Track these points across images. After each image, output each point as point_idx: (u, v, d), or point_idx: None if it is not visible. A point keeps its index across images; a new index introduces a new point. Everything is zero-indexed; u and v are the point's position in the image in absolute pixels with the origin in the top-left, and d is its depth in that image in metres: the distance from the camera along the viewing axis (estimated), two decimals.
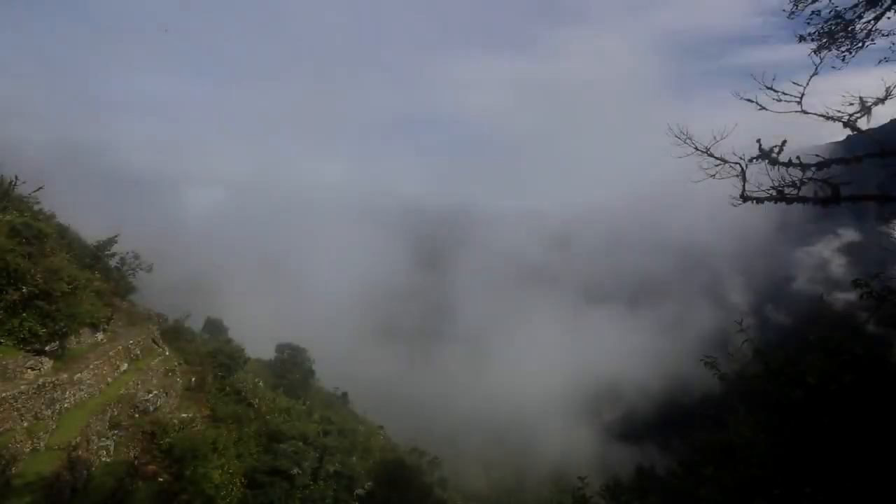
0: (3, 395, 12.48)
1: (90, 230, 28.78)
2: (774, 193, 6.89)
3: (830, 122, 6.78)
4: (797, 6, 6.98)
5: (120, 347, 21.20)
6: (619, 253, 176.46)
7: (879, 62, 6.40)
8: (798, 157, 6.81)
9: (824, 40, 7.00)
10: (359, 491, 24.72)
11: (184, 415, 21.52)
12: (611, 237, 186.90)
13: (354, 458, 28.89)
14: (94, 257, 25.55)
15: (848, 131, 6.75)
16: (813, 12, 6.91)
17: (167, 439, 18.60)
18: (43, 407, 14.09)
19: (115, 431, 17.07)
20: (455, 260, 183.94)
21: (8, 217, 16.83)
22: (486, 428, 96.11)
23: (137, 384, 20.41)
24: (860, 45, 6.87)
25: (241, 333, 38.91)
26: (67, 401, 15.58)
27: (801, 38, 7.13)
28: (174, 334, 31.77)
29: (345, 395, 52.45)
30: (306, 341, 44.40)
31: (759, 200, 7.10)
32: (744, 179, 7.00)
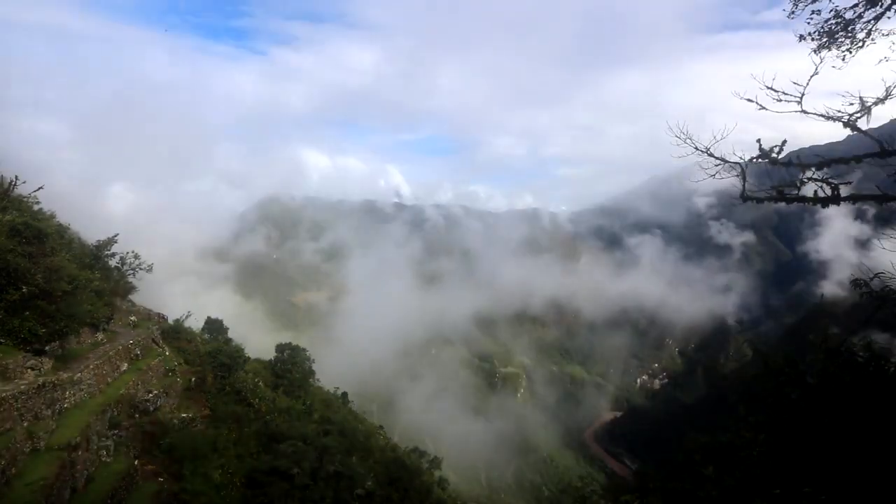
0: (3, 395, 12.46)
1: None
2: (774, 193, 6.90)
3: (830, 122, 6.77)
4: (797, 6, 6.97)
5: (120, 347, 21.19)
6: None
7: (879, 62, 6.38)
8: (798, 157, 6.81)
9: (824, 40, 6.99)
10: (359, 491, 24.68)
11: (184, 415, 21.52)
12: None
13: (354, 458, 28.86)
14: (94, 257, 25.51)
15: (848, 131, 6.74)
16: (813, 12, 6.89)
17: (167, 439, 18.60)
18: (43, 407, 14.06)
19: (115, 431, 17.05)
20: None
21: (8, 217, 16.81)
22: None
23: (137, 384, 20.40)
24: (860, 44, 6.85)
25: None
26: (67, 401, 15.56)
27: (801, 38, 7.12)
28: (174, 334, 31.79)
29: (345, 394, 52.46)
30: None
31: (759, 200, 7.10)
32: (744, 179, 7.01)
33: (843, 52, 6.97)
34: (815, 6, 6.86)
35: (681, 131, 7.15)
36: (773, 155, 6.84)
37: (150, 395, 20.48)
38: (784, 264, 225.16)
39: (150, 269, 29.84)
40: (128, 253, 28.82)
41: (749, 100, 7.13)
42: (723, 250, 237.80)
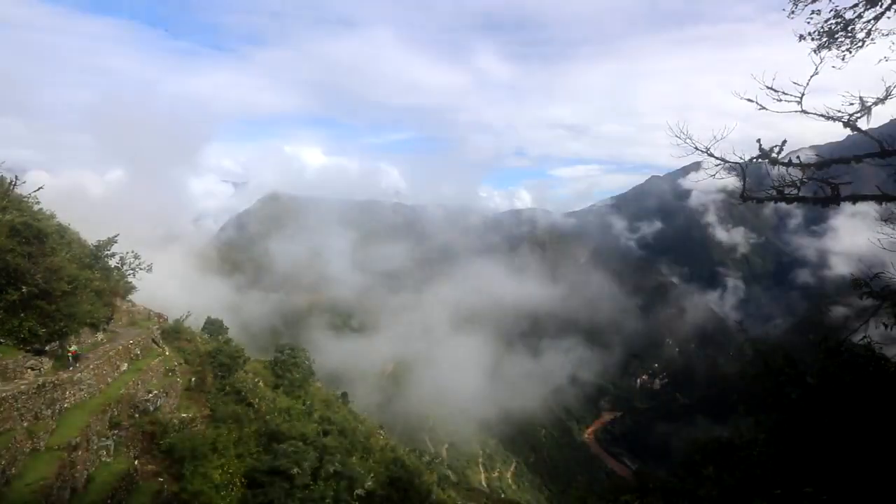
0: (3, 395, 12.47)
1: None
2: (774, 193, 6.90)
3: (830, 122, 6.77)
4: (797, 6, 6.96)
5: (120, 347, 21.19)
6: None
7: (879, 62, 6.37)
8: (798, 157, 6.81)
9: (824, 40, 6.99)
10: (359, 491, 24.68)
11: (184, 415, 21.51)
12: None
13: (354, 458, 28.86)
14: (94, 257, 25.48)
15: (848, 131, 6.74)
16: (813, 12, 6.89)
17: (167, 439, 18.58)
18: (43, 407, 14.08)
19: (115, 431, 17.05)
20: None
21: (8, 217, 16.80)
22: None
23: (137, 384, 20.39)
24: (860, 44, 6.85)
25: None
26: (67, 401, 15.57)
27: (801, 38, 7.12)
28: (174, 334, 31.78)
29: (345, 394, 52.50)
30: None
31: (759, 200, 7.11)
32: (744, 179, 7.01)
33: (843, 52, 6.97)
34: (815, 6, 6.86)
35: (680, 131, 7.15)
36: (773, 155, 6.85)
37: (150, 395, 20.47)
38: (784, 264, 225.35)
39: (150, 269, 29.82)
40: (128, 253, 28.77)
41: (749, 100, 7.14)
42: (723, 250, 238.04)
